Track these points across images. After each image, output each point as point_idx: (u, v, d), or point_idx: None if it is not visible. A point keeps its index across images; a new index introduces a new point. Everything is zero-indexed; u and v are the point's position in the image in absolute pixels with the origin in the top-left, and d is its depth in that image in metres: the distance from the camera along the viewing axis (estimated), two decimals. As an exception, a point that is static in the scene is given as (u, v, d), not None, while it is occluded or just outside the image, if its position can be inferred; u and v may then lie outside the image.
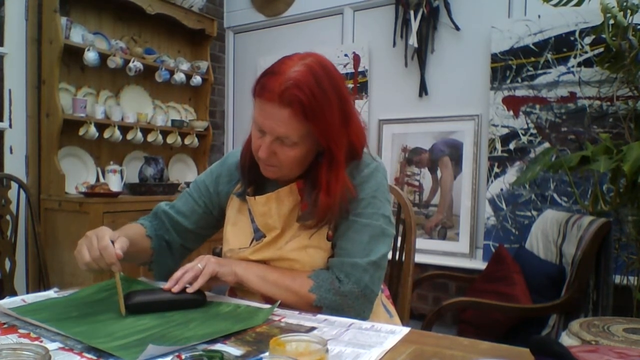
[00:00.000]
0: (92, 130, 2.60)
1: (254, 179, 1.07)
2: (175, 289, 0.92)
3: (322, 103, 0.91)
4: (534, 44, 2.47)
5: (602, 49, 2.23)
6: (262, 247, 1.04)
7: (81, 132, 2.60)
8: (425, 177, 2.82)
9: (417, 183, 2.85)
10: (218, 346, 0.73)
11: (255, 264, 1.03)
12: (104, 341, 0.73)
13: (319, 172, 0.98)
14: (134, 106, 2.96)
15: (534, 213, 2.46)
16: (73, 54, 2.59)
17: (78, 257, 0.93)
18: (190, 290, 0.92)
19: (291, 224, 1.03)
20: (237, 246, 1.07)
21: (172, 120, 3.11)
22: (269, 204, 1.03)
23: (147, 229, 1.13)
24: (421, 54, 2.80)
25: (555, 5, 2.08)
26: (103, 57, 2.64)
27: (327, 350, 0.61)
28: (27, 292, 2.09)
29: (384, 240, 1.02)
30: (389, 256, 1.08)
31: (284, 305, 0.95)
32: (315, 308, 0.96)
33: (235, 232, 1.09)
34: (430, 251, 2.77)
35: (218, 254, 2.75)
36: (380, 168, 1.06)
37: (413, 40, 2.77)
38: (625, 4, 1.90)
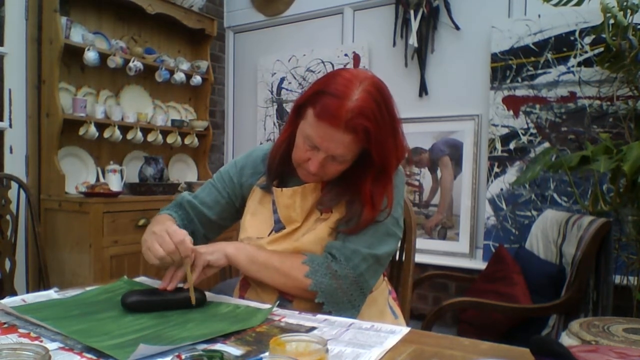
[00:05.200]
0: (92, 130, 2.60)
1: (279, 174, 1.12)
2: (170, 288, 0.93)
3: (382, 127, 0.96)
4: (534, 43, 2.47)
5: (602, 49, 2.23)
6: (280, 237, 1.07)
7: (81, 132, 2.60)
8: (425, 177, 2.82)
9: (417, 183, 2.85)
10: (218, 346, 0.73)
11: (249, 246, 1.04)
12: (99, 340, 0.73)
13: (363, 184, 1.01)
14: (134, 106, 2.96)
15: (534, 213, 2.46)
16: (73, 53, 2.59)
17: (149, 253, 0.93)
18: (186, 286, 0.93)
19: (310, 218, 1.07)
20: (256, 235, 1.09)
21: (172, 120, 3.11)
22: (294, 197, 1.07)
23: (176, 220, 1.14)
24: (421, 54, 2.80)
25: (555, 5, 2.08)
26: (103, 56, 2.63)
27: (327, 350, 0.61)
28: (27, 292, 2.08)
29: (388, 240, 1.05)
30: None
31: (276, 288, 0.99)
32: (309, 293, 0.98)
33: (255, 222, 1.11)
34: (430, 251, 2.77)
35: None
36: (400, 172, 1.11)
37: (413, 40, 2.77)
38: (625, 3, 1.90)
